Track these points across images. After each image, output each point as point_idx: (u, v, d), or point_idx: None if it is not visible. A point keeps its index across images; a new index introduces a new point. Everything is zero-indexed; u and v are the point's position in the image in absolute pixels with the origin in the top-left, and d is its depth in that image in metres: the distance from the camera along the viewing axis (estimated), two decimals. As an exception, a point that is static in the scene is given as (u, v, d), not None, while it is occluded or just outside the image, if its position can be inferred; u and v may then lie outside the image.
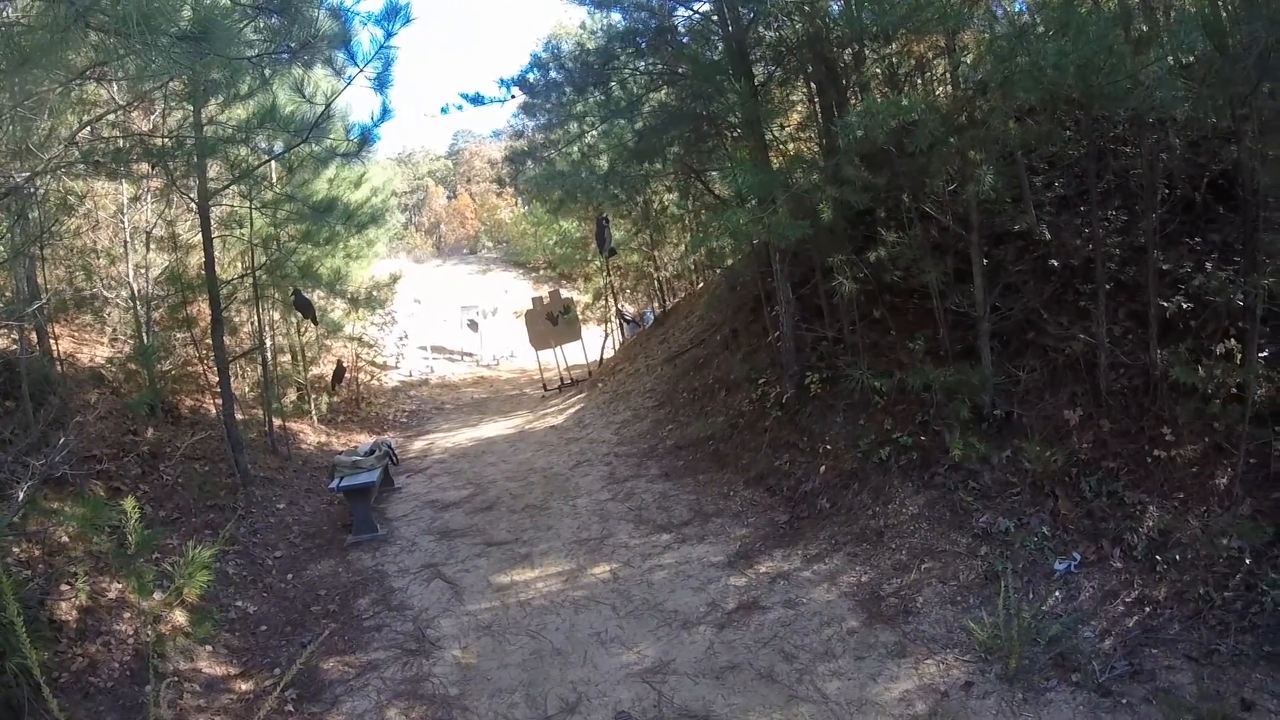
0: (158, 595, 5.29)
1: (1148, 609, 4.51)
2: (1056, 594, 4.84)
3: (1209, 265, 5.65)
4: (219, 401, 8.81)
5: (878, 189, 6.60)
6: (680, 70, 9.32)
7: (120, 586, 5.39)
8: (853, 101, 8.33)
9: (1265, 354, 4.93)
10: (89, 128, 7.07)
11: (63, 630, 4.88)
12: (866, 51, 8.05)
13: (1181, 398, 5.22)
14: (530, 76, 10.74)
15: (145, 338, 8.76)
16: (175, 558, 5.75)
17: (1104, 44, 4.34)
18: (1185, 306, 5.52)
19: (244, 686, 5.11)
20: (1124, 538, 4.92)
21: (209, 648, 5.42)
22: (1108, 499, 5.19)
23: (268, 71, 7.01)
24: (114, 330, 9.70)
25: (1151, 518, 4.91)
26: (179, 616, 5.43)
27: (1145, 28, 5.60)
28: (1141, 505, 5.00)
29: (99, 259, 9.39)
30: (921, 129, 5.56)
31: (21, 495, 4.94)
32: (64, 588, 5.14)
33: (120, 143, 7.38)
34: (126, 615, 5.26)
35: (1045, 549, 5.18)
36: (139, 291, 8.95)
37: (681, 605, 5.75)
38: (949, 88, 7.77)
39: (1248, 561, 4.38)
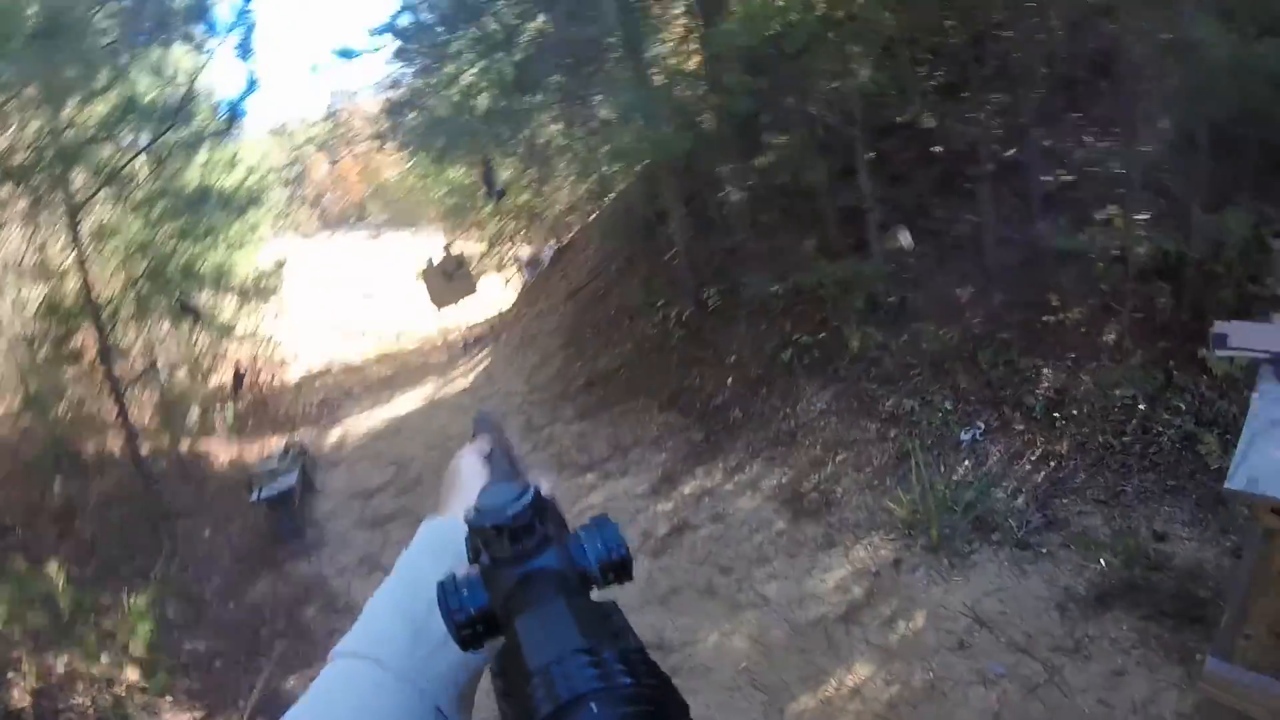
0: (105, 657, 5.12)
1: (1053, 463, 4.70)
2: (966, 463, 4.99)
3: (1089, 139, 5.80)
4: (123, 438, 8.26)
5: (761, 94, 6.52)
6: (556, -6, 9.02)
7: (65, 659, 5.15)
8: (732, 8, 8.21)
9: (1145, 217, 5.10)
10: None
11: (21, 718, 4.74)
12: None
13: (1067, 265, 5.38)
14: (401, 21, 10.28)
15: (32, 385, 7.96)
16: (113, 615, 5.59)
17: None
18: (1067, 179, 5.67)
19: (213, 727, 4.93)
20: (1023, 401, 5.09)
21: (169, 698, 5.25)
22: (1004, 368, 5.35)
23: (125, 59, 6.41)
24: None
25: (1047, 379, 5.09)
26: (131, 674, 5.23)
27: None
28: (1036, 369, 5.19)
29: None
30: (799, 28, 5.49)
31: None
32: (10, 675, 4.93)
33: None
34: (80, 686, 5.07)
35: (950, 422, 5.32)
36: (18, 334, 8.12)
37: (616, 541, 5.72)
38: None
39: (1142, 407, 4.59)
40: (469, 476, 0.79)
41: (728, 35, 6.04)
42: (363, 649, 0.61)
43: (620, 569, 0.55)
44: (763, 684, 3.99)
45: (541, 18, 9.90)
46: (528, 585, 0.51)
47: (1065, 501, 4.42)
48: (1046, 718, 3.31)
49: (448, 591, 0.53)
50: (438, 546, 0.70)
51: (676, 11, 9.99)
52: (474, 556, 0.57)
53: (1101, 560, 3.91)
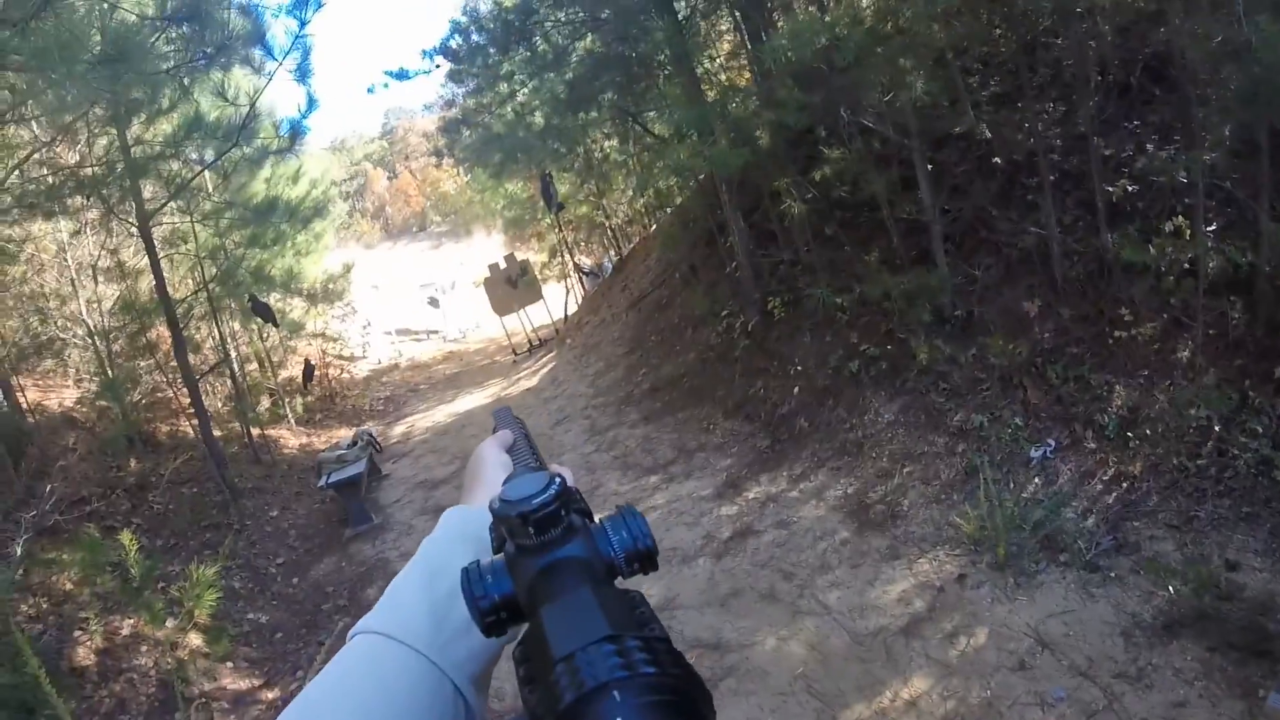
0: (170, 623, 5.30)
1: (1125, 484, 4.65)
2: (1036, 480, 4.98)
3: (1150, 146, 5.70)
4: (194, 422, 8.69)
5: (814, 108, 6.56)
6: (603, 15, 9.13)
7: (132, 621, 5.40)
8: (779, 23, 8.23)
9: (1213, 227, 5.01)
10: (17, 171, 6.82)
11: (85, 675, 4.91)
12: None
13: (1136, 278, 5.31)
14: (453, 43, 10.52)
15: (110, 372, 8.54)
16: (180, 583, 5.74)
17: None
18: (1131, 189, 5.59)
19: (270, 695, 5.17)
20: (1094, 419, 5.05)
21: (229, 664, 5.46)
22: (1075, 383, 5.30)
23: (187, 80, 6.78)
24: (77, 370, 9.46)
25: (1119, 396, 5.03)
26: (194, 639, 5.44)
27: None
28: (1108, 386, 5.12)
29: (49, 301, 9.11)
30: (847, 43, 5.51)
31: (19, 551, 4.88)
32: (77, 634, 5.15)
33: (50, 180, 7.13)
34: (144, 648, 5.29)
35: (1020, 439, 5.30)
36: (95, 327, 8.71)
37: (679, 541, 5.85)
38: (873, -2, 7.69)
39: (1217, 429, 4.51)
40: (493, 466, 0.81)
41: (776, 50, 6.07)
42: (386, 629, 0.61)
43: (645, 559, 0.55)
44: (818, 691, 4.02)
45: (590, 37, 10.04)
46: (552, 574, 0.51)
47: (1137, 524, 4.39)
48: (1103, 745, 3.32)
49: (472, 578, 0.54)
50: (462, 534, 0.71)
51: (724, 28, 10.04)
52: (498, 545, 0.57)
53: (1171, 587, 3.87)
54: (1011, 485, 5.01)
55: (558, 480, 0.55)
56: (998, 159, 6.49)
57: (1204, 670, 3.45)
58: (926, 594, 4.51)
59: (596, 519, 0.58)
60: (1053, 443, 5.13)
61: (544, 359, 14.26)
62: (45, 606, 5.31)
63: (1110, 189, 5.58)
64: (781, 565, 5.19)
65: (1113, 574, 4.16)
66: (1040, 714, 3.50)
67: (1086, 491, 4.75)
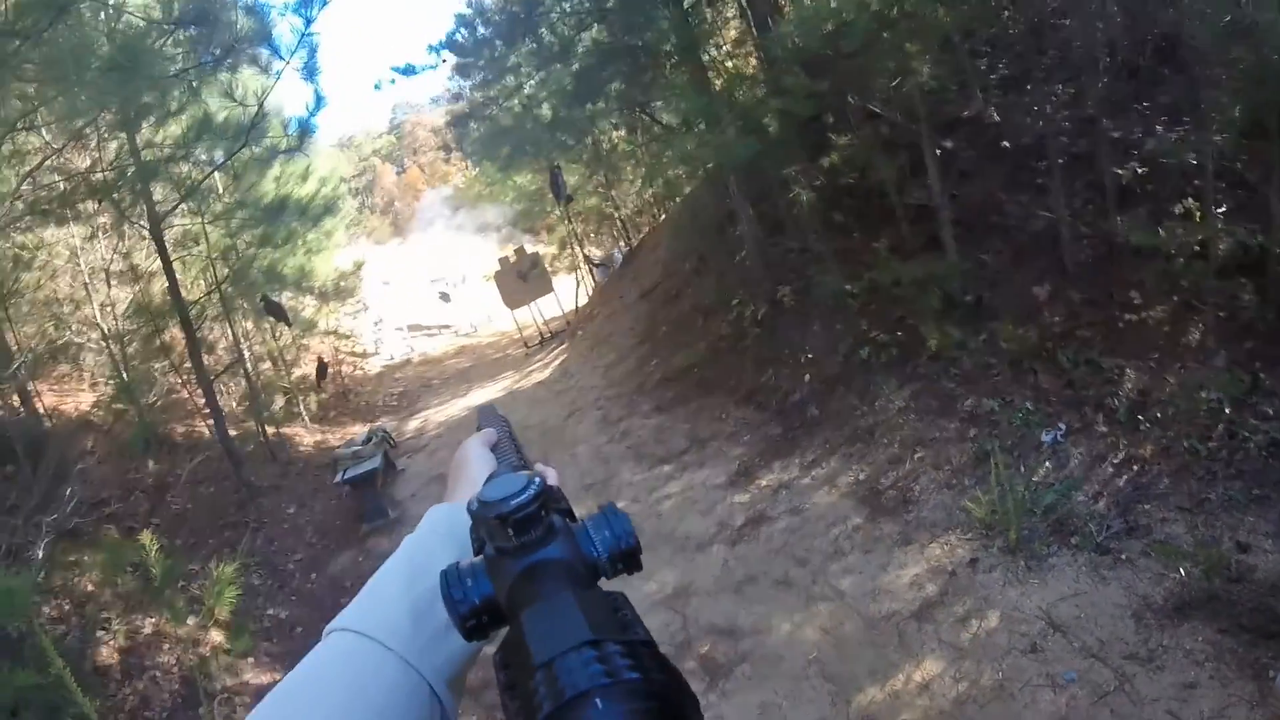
0: (191, 620, 5.37)
1: (1136, 468, 4.65)
2: (1047, 464, 4.98)
3: (1159, 128, 5.67)
4: (210, 423, 8.75)
5: (821, 95, 6.55)
6: (608, 4, 9.13)
7: (154, 620, 5.45)
8: (785, 9, 8.21)
9: (1223, 209, 4.99)
10: (29, 178, 6.86)
11: (108, 674, 4.96)
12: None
13: (1146, 261, 5.29)
14: (459, 36, 10.54)
15: (125, 375, 8.63)
16: (200, 581, 5.82)
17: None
18: (1140, 171, 5.57)
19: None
20: (1105, 402, 5.05)
21: (251, 660, 5.52)
22: (1086, 367, 5.30)
23: (195, 83, 6.81)
24: (92, 374, 9.55)
25: (1130, 380, 5.03)
26: (215, 636, 5.50)
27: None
28: (1119, 369, 5.12)
29: (63, 306, 9.19)
30: (854, 28, 5.50)
31: (40, 554, 4.95)
32: (100, 633, 5.20)
33: (62, 186, 7.18)
34: (165, 646, 5.33)
35: (1031, 423, 5.30)
36: (110, 330, 8.77)
37: (693, 530, 5.89)
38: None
39: (1228, 411, 4.51)
40: (476, 464, 0.80)
41: (783, 37, 6.06)
42: (364, 628, 0.60)
43: (629, 559, 0.54)
44: (832, 675, 4.05)
45: (596, 28, 10.04)
46: (533, 576, 0.50)
47: (1148, 507, 4.39)
48: (1113, 726, 3.34)
49: (451, 581, 0.52)
50: (445, 533, 0.70)
51: (730, 15, 10.01)
52: (478, 547, 0.56)
53: (1182, 570, 3.88)
54: (1022, 469, 5.02)
55: (537, 481, 0.54)
56: (1006, 143, 6.48)
57: (1214, 652, 3.46)
58: (938, 578, 4.53)
59: (579, 518, 0.57)
60: (1063, 427, 5.12)
61: (556, 351, 14.28)
62: (68, 608, 5.36)
63: (1119, 172, 5.56)
64: (795, 551, 5.22)
65: (1124, 557, 4.17)
66: (1052, 696, 3.52)
67: (1097, 475, 4.75)
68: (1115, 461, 4.76)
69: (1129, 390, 4.98)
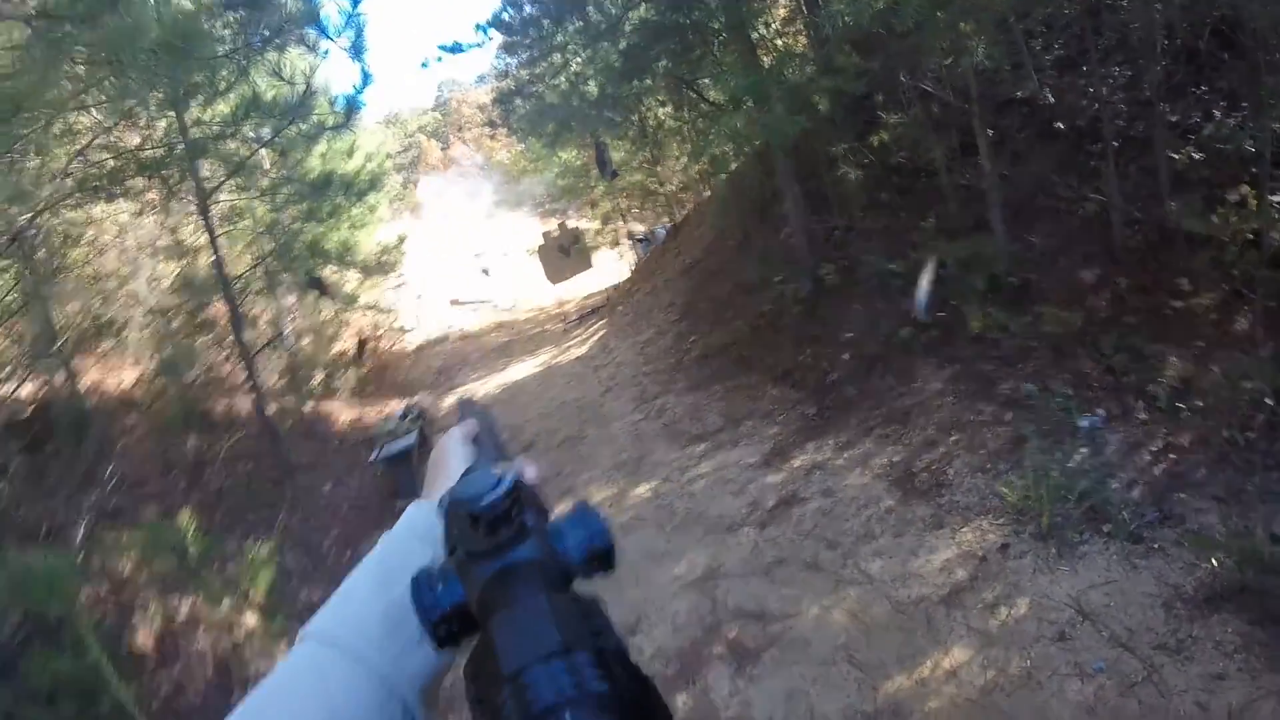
0: (226, 603, 5.43)
1: (1173, 456, 4.58)
2: (1083, 450, 4.91)
3: (1217, 114, 5.52)
4: (251, 398, 8.91)
5: (873, 73, 6.49)
6: (657, -18, 9.10)
7: (190, 602, 5.50)
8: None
9: (1279, 198, 4.86)
10: (80, 156, 7.01)
11: (144, 660, 5.02)
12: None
13: (1197, 248, 5.18)
14: (506, 15, 10.57)
15: (168, 350, 8.77)
16: (237, 562, 5.91)
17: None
18: (1196, 157, 5.44)
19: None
20: (1146, 390, 4.96)
21: (285, 643, 5.57)
22: (1128, 354, 5.21)
23: (244, 62, 6.94)
24: (135, 351, 9.79)
25: (1173, 368, 4.94)
26: (251, 619, 5.58)
27: None
28: (1162, 357, 5.03)
29: (109, 282, 9.42)
30: (907, 7, 5.44)
31: (80, 535, 5.05)
32: (136, 617, 5.25)
33: (111, 163, 7.33)
34: (201, 630, 5.39)
35: (1069, 409, 5.23)
36: (154, 306, 8.95)
37: (724, 510, 5.90)
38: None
39: (1270, 402, 4.41)
40: (454, 459, 0.78)
41: (834, 16, 6.01)
42: (337, 635, 0.59)
43: (603, 559, 0.53)
44: (860, 660, 4.04)
45: (645, 6, 10.01)
46: (504, 579, 0.49)
47: (1183, 496, 4.32)
48: (1141, 716, 3.29)
49: (421, 587, 0.51)
50: (422, 530, 0.68)
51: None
52: (451, 547, 0.55)
53: (1214, 560, 3.82)
54: (1058, 455, 4.95)
55: (510, 477, 0.53)
56: (1060, 125, 6.36)
57: (1244, 643, 3.41)
58: (969, 563, 4.50)
59: (552, 518, 0.57)
60: (1102, 413, 5.05)
61: (594, 327, 14.37)
62: (105, 591, 5.36)
63: (1175, 156, 5.44)
64: (826, 534, 5.21)
65: (1156, 546, 4.11)
66: (1079, 685, 3.49)
67: (1134, 463, 4.68)
68: (1153, 449, 4.68)
69: (1171, 378, 4.89)
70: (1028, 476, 4.70)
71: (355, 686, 0.56)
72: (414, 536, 0.69)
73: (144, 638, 5.14)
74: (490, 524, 0.51)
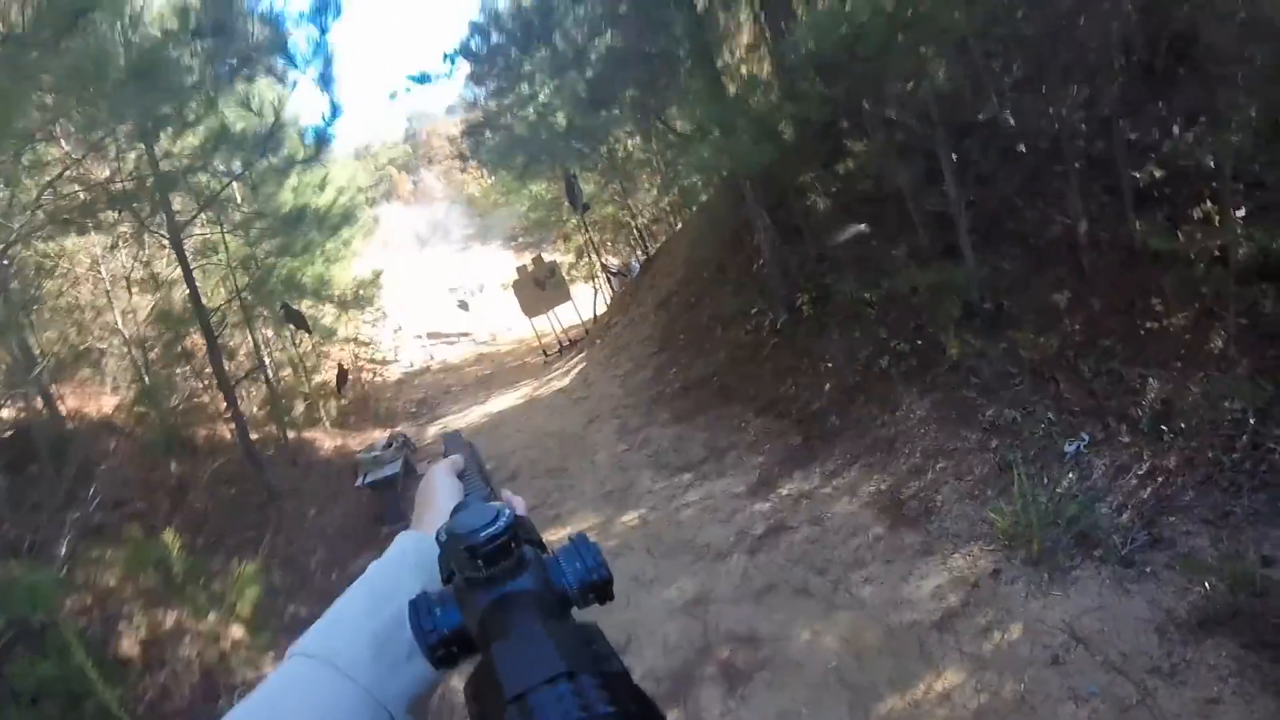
0: (212, 616, 5.45)
1: (1160, 479, 4.58)
2: (1070, 475, 4.92)
3: (1176, 130, 5.58)
4: (232, 426, 8.89)
5: (837, 100, 6.52)
6: (621, 10, 9.14)
7: (175, 615, 5.53)
8: (799, 12, 8.18)
9: (1242, 213, 4.90)
10: (50, 188, 6.97)
11: (129, 666, 5.02)
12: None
13: (1166, 266, 5.21)
14: (473, 44, 10.60)
15: (146, 379, 8.76)
16: (222, 579, 5.92)
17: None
18: (1157, 175, 5.49)
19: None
20: (1128, 412, 4.97)
21: (271, 654, 5.59)
22: (1107, 377, 5.23)
23: (212, 93, 6.91)
24: (114, 379, 9.69)
25: (1153, 389, 4.95)
26: (237, 632, 5.59)
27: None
28: (1141, 378, 5.04)
29: (85, 313, 9.33)
30: (869, 32, 5.47)
31: (64, 550, 5.01)
32: (121, 626, 5.27)
33: (82, 196, 7.30)
34: (187, 640, 5.40)
35: (1053, 433, 5.24)
36: (131, 336, 8.91)
37: (712, 538, 5.89)
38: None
39: (1252, 422, 4.41)
40: (442, 493, 0.78)
41: (797, 44, 6.03)
42: (324, 653, 0.59)
43: (601, 590, 0.54)
44: (851, 683, 4.04)
45: (610, 33, 10.06)
46: (503, 608, 0.50)
47: (1172, 519, 4.32)
48: (1134, 740, 3.30)
49: (420, 610, 0.52)
50: (413, 562, 0.69)
51: (743, 19, 10.00)
52: (447, 576, 0.55)
53: (1206, 584, 3.82)
54: (1045, 480, 4.96)
55: (508, 512, 0.54)
56: (1023, 146, 6.40)
57: (1238, 667, 3.41)
58: (960, 589, 4.50)
59: (550, 550, 0.57)
60: (1086, 437, 5.06)
61: (574, 360, 14.33)
62: (89, 601, 5.42)
63: (1137, 175, 5.49)
64: (815, 561, 5.21)
65: (1147, 569, 4.11)
66: (1073, 709, 3.49)
67: (1121, 486, 4.69)
68: (1139, 473, 4.68)
69: (1152, 400, 4.90)
70: (1016, 502, 4.69)
71: (343, 702, 0.57)
72: (404, 567, 0.69)
73: (129, 645, 5.15)
74: (489, 557, 0.52)
